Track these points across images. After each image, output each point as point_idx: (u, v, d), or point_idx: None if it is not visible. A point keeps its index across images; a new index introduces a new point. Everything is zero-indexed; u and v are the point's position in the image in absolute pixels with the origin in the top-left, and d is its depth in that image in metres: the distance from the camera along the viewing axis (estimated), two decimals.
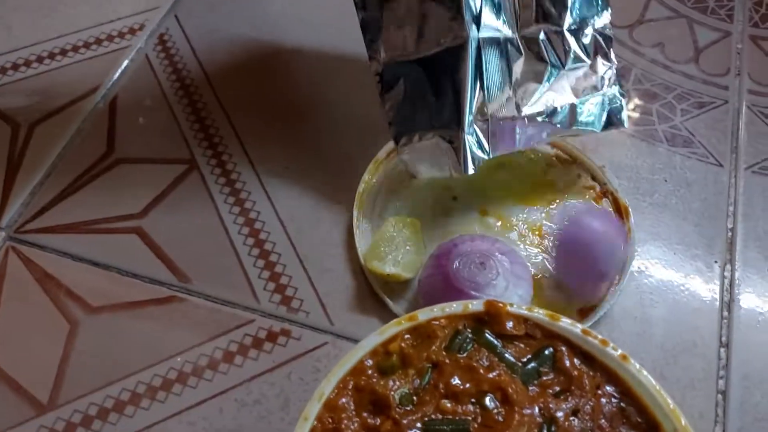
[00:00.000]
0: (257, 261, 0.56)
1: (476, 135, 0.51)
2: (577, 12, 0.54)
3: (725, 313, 0.54)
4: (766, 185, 0.61)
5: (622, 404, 0.39)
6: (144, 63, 0.69)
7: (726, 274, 0.56)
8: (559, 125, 0.54)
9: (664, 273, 0.56)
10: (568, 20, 0.54)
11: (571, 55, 0.54)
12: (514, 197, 0.58)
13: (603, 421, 0.38)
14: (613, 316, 0.53)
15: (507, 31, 0.52)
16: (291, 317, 0.53)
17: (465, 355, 0.40)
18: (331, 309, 0.53)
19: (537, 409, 0.38)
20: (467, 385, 0.38)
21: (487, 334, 0.41)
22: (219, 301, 0.54)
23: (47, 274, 0.54)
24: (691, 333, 0.53)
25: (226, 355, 0.51)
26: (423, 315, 0.41)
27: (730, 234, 0.58)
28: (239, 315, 0.53)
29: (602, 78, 0.56)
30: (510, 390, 0.38)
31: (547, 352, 0.40)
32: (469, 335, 0.41)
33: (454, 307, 0.41)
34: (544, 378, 0.39)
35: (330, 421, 0.37)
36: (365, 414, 0.38)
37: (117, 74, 0.67)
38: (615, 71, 0.56)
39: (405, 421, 0.37)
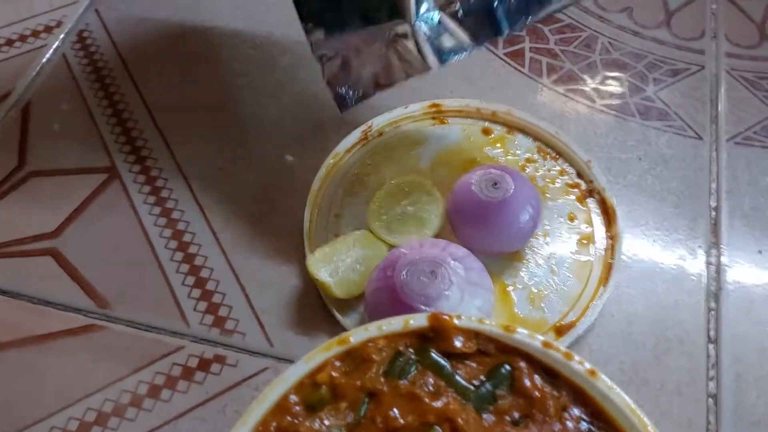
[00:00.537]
0: (186, 278, 0.49)
1: (434, 22, 0.43)
2: None
3: (712, 305, 0.48)
4: (751, 157, 0.55)
5: (592, 428, 0.33)
6: (61, 63, 0.62)
7: (711, 259, 0.50)
8: None
9: (642, 264, 0.50)
10: None
11: None
12: None
13: None
14: None
15: None
16: (225, 341, 0.47)
17: (407, 380, 0.34)
18: (271, 329, 0.47)
19: None
20: (410, 418, 0.32)
21: (432, 354, 0.35)
22: (143, 326, 0.47)
23: None
24: (676, 329, 0.47)
25: (152, 389, 0.45)
26: (356, 336, 0.35)
27: (713, 214, 0.52)
28: (166, 342, 0.47)
29: None
30: (460, 421, 0.32)
31: (503, 370, 0.34)
32: (412, 356, 0.35)
33: (393, 324, 0.35)
34: (501, 402, 0.33)
35: None
36: None
37: (31, 77, 0.61)
38: None
39: None
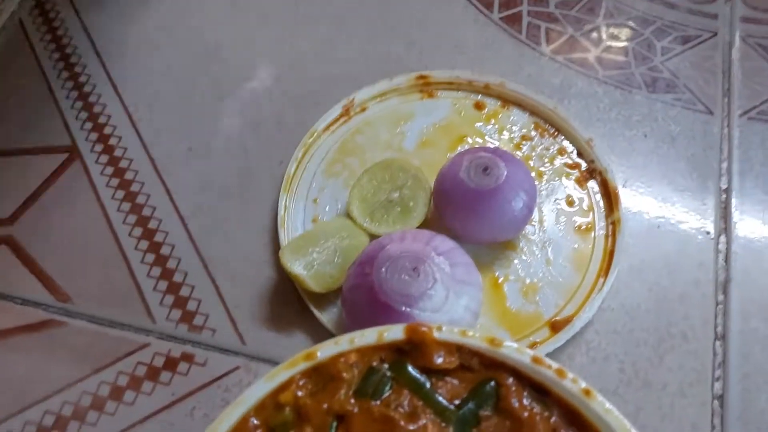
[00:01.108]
0: (152, 269, 0.46)
1: None
2: None
3: (720, 297, 0.44)
4: (767, 134, 0.50)
5: None
6: (17, 31, 0.57)
7: (720, 247, 0.46)
8: None
9: (646, 252, 0.46)
10: None
11: None
12: None
13: None
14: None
15: None
16: (193, 338, 0.44)
17: (380, 401, 0.30)
18: (243, 324, 0.44)
19: None
20: None
21: (409, 370, 0.31)
22: (105, 322, 0.44)
23: None
24: (681, 324, 0.43)
25: (114, 390, 0.42)
26: (324, 351, 0.31)
27: (724, 197, 0.48)
28: (130, 339, 0.43)
29: None
30: None
31: (488, 387, 0.31)
32: (387, 373, 0.31)
33: (366, 336, 0.31)
34: (485, 424, 0.30)
35: None
36: None
37: None
38: None
39: None
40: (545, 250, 0.46)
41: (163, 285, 0.45)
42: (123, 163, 0.50)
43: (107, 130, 0.51)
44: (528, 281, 0.45)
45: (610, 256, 0.45)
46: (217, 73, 0.54)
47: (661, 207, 0.48)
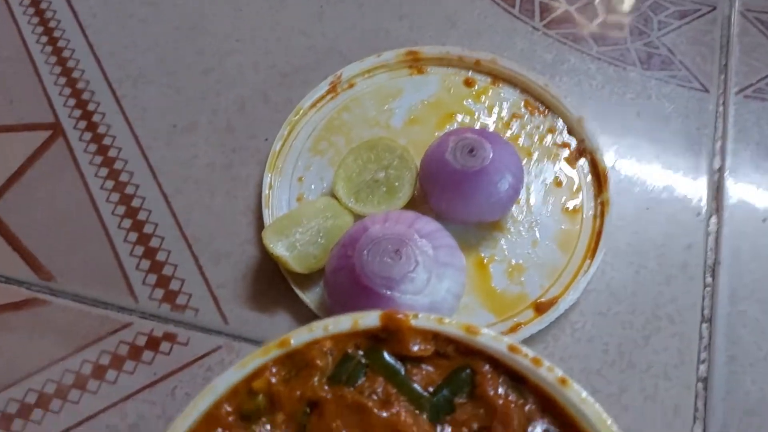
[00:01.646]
0: (135, 248, 0.45)
1: None
2: None
3: (708, 279, 0.44)
4: (762, 113, 0.49)
5: None
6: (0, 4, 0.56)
7: (711, 228, 0.45)
8: None
9: (634, 234, 0.45)
10: None
11: None
12: None
13: None
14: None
15: None
16: (176, 317, 0.43)
17: (354, 387, 0.30)
18: (226, 304, 0.44)
19: None
20: (355, 431, 0.29)
21: (385, 357, 0.31)
22: (88, 301, 0.44)
23: None
24: (667, 307, 0.43)
25: (97, 369, 0.42)
26: (298, 338, 0.31)
27: (716, 177, 0.47)
28: (113, 318, 0.43)
29: None
30: None
31: (463, 374, 0.31)
32: (362, 360, 0.31)
33: (342, 323, 0.31)
34: (459, 411, 0.30)
35: None
36: None
37: None
38: None
39: None
40: (532, 230, 0.45)
41: (146, 264, 0.45)
42: (107, 141, 0.49)
43: (91, 107, 0.50)
44: (514, 262, 0.44)
45: (597, 237, 0.44)
46: (203, 47, 0.53)
47: (651, 187, 0.47)
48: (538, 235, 0.45)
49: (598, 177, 0.46)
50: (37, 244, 0.46)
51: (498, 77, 0.50)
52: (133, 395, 0.41)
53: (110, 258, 0.45)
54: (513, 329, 0.42)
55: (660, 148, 0.48)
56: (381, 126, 0.49)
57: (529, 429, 0.29)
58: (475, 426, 0.29)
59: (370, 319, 0.31)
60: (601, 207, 0.45)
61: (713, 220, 0.46)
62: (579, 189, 0.46)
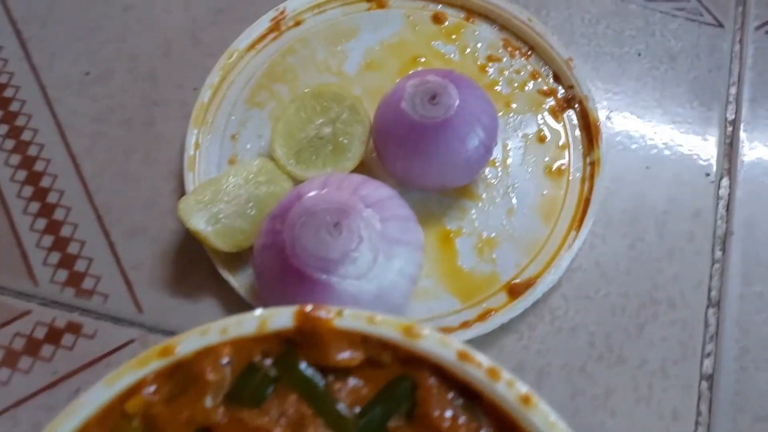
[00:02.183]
0: (36, 221, 0.38)
1: None
2: None
3: (718, 254, 0.37)
4: None
5: None
6: None
7: (722, 192, 0.38)
8: None
9: (630, 200, 0.38)
10: None
11: None
12: None
13: None
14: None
15: None
16: (82, 304, 0.37)
17: (259, 408, 0.23)
18: (141, 289, 0.37)
19: None
20: None
21: (300, 367, 0.24)
22: None
23: None
24: (668, 288, 0.36)
25: None
26: (186, 344, 0.24)
27: (730, 130, 0.40)
28: (8, 305, 0.36)
29: None
30: None
31: (401, 388, 0.24)
32: (271, 372, 0.24)
33: (243, 325, 0.24)
34: None
35: None
36: None
37: None
38: None
39: None
40: (508, 197, 0.38)
41: (48, 240, 0.38)
42: (8, 92, 0.41)
43: None
44: (485, 235, 0.37)
45: (585, 204, 0.37)
46: None
47: (652, 143, 0.39)
48: (514, 201, 0.38)
49: (589, 131, 0.39)
50: None
51: (472, 11, 0.42)
52: (29, 399, 0.34)
53: (7, 232, 0.38)
54: (482, 317, 0.35)
55: (663, 94, 0.40)
56: (332, 72, 0.41)
57: None
58: None
59: (281, 318, 0.24)
60: (591, 167, 0.38)
61: (725, 182, 0.38)
62: (566, 146, 0.39)
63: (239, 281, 0.36)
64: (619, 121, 0.40)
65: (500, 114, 0.40)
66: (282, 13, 0.42)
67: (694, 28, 0.42)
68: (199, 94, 0.40)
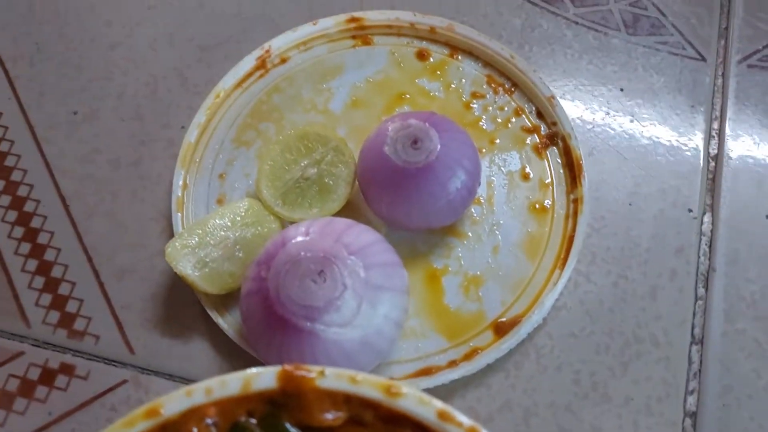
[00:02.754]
0: (27, 262, 0.39)
1: None
2: None
3: (701, 291, 0.37)
4: None
5: None
6: None
7: (704, 228, 0.38)
8: None
9: (613, 237, 0.38)
10: None
11: None
12: None
13: None
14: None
15: None
16: (74, 345, 0.37)
17: None
18: (132, 330, 0.37)
19: None
20: None
21: (286, 427, 0.25)
22: None
23: None
24: (651, 326, 0.36)
25: None
26: (172, 405, 0.24)
27: (712, 165, 0.40)
28: (1, 346, 0.37)
29: None
30: None
31: None
32: (256, 431, 0.24)
33: (228, 386, 0.24)
34: None
35: None
36: None
37: None
38: None
39: None
40: (493, 235, 0.38)
41: (39, 281, 0.38)
42: None
43: None
44: (470, 273, 0.37)
45: (569, 241, 0.37)
46: (111, 18, 0.45)
47: (634, 180, 0.40)
48: (500, 238, 0.38)
49: (572, 168, 0.39)
50: None
51: (456, 48, 0.43)
52: None
53: None
54: (469, 356, 0.35)
55: (647, 131, 0.41)
56: (318, 110, 0.42)
57: None
58: None
59: (265, 378, 0.25)
60: (575, 205, 0.38)
61: (707, 218, 0.39)
62: (549, 183, 0.39)
63: (228, 322, 0.36)
64: (601, 157, 0.40)
65: (484, 151, 0.40)
66: (267, 51, 0.42)
67: (677, 62, 0.42)
68: (185, 134, 0.40)
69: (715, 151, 0.40)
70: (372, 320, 0.32)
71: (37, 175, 0.41)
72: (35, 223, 0.40)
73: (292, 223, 0.37)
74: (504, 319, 0.36)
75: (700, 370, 0.35)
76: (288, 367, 0.25)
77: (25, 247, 0.39)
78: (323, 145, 0.38)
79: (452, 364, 0.35)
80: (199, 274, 0.35)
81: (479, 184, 0.37)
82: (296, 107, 0.42)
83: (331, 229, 0.33)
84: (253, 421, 0.25)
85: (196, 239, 0.36)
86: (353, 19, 0.43)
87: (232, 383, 0.25)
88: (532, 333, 0.36)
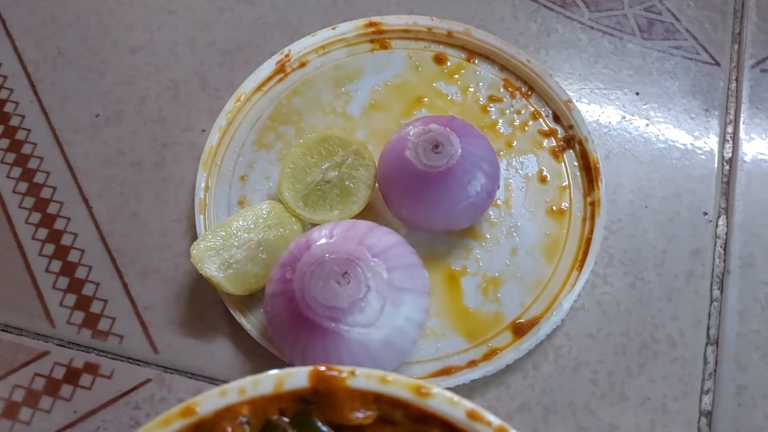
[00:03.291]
0: (51, 263, 0.39)
1: None
2: None
3: (716, 292, 0.38)
4: None
5: None
6: None
7: (719, 231, 0.39)
8: None
9: (629, 240, 0.39)
10: None
11: None
12: None
13: None
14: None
15: None
16: (98, 345, 0.38)
17: None
18: (155, 330, 0.38)
19: None
20: None
21: (317, 425, 0.25)
22: None
23: None
24: (667, 327, 0.37)
25: (9, 407, 0.36)
26: (207, 405, 0.25)
27: (727, 169, 0.41)
28: (27, 346, 0.38)
29: None
30: None
31: None
32: (288, 430, 0.25)
33: (260, 386, 0.25)
34: None
35: None
36: None
37: None
38: None
39: None
40: (511, 237, 0.39)
41: (63, 282, 0.39)
42: (20, 135, 0.42)
43: (2, 94, 0.44)
44: (489, 275, 0.38)
45: (586, 244, 0.38)
46: (132, 22, 0.46)
47: (650, 183, 0.40)
48: (518, 240, 0.39)
49: (589, 171, 0.40)
50: None
51: (473, 52, 0.43)
52: None
53: (23, 274, 0.39)
54: (488, 356, 0.36)
55: (662, 134, 0.41)
56: (337, 113, 0.42)
57: None
58: None
59: (297, 378, 0.25)
60: (592, 207, 0.39)
61: (722, 221, 0.39)
62: (566, 186, 0.40)
63: (251, 322, 0.37)
64: (617, 161, 0.41)
65: (502, 154, 0.41)
66: (286, 56, 0.43)
67: (691, 66, 0.43)
68: (207, 137, 0.41)
69: (730, 155, 0.41)
70: (395, 321, 0.32)
71: (60, 177, 0.41)
72: (59, 224, 0.40)
73: (313, 224, 0.38)
74: (523, 320, 0.37)
75: (715, 370, 0.36)
76: (320, 367, 0.25)
77: (49, 248, 0.40)
78: (344, 148, 0.39)
79: (472, 364, 0.36)
80: (224, 276, 0.35)
81: (498, 187, 0.37)
82: (315, 110, 0.42)
83: (354, 232, 0.34)
84: (285, 419, 0.25)
85: (220, 241, 0.36)
86: (371, 24, 0.44)
87: (265, 383, 0.25)
88: (551, 334, 0.36)
